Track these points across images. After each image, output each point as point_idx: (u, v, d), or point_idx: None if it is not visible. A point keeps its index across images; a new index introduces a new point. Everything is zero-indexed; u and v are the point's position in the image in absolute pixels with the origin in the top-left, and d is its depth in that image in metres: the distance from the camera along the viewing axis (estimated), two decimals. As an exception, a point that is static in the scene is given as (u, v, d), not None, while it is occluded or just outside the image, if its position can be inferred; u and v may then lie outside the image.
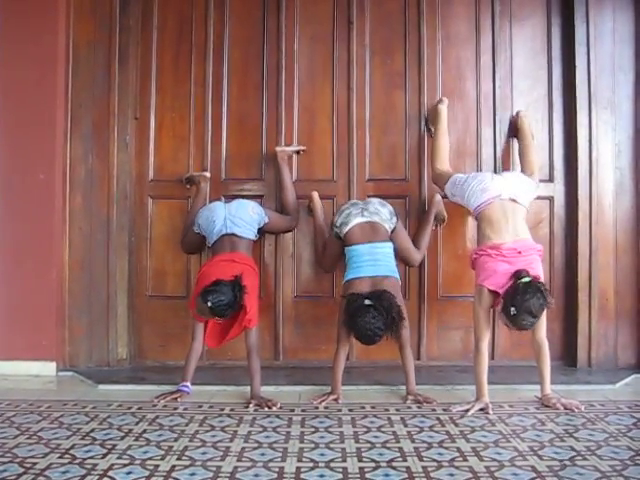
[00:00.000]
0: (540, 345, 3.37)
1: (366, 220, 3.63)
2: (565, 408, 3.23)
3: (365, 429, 2.93)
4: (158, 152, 4.28)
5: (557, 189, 4.28)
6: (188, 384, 3.49)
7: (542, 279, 3.32)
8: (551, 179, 4.27)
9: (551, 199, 4.27)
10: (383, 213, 3.67)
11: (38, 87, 3.99)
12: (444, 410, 3.24)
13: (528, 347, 3.83)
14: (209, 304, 3.25)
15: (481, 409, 3.21)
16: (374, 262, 3.54)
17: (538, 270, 3.37)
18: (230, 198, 4.10)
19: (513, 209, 3.54)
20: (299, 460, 2.53)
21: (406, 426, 2.98)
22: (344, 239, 3.67)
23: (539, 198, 4.22)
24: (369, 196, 4.04)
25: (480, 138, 4.28)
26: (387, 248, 3.63)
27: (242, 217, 3.80)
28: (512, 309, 3.10)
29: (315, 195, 4.11)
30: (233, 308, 3.33)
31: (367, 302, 3.28)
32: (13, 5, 4.01)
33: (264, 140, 4.25)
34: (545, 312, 3.26)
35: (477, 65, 4.30)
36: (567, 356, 4.21)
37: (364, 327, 3.23)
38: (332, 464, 2.48)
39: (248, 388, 3.41)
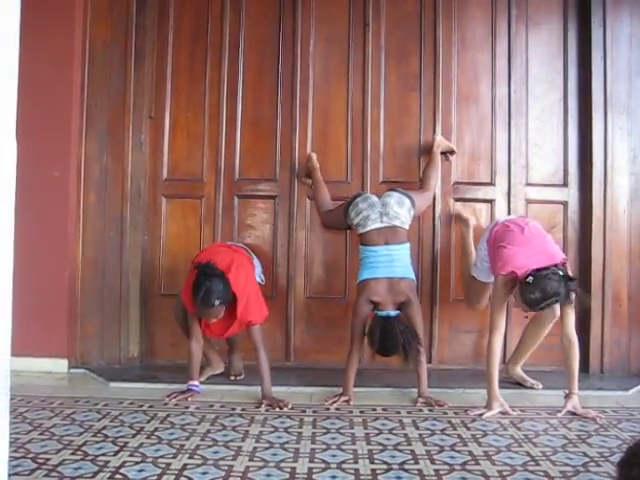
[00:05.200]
0: (570, 340, 3.26)
1: (385, 225, 3.59)
2: (582, 416, 3.19)
3: (377, 431, 2.93)
4: (172, 151, 4.29)
5: (571, 194, 4.26)
6: (196, 382, 3.49)
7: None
8: (565, 184, 4.26)
9: (565, 204, 4.25)
10: (402, 215, 3.61)
11: (54, 85, 4.01)
12: (455, 413, 3.23)
13: (541, 352, 3.83)
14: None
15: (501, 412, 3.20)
16: (390, 263, 3.51)
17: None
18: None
19: None
20: (311, 461, 2.53)
21: (418, 429, 2.97)
22: (359, 236, 3.67)
23: (553, 202, 4.23)
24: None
25: (494, 142, 4.26)
26: (403, 249, 3.59)
27: None
28: (530, 278, 3.06)
29: (314, 155, 4.15)
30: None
31: (383, 328, 3.33)
32: (30, 3, 4.02)
33: (278, 141, 4.25)
34: (572, 306, 3.23)
35: (493, 68, 4.29)
36: (579, 362, 4.17)
37: (385, 352, 3.35)
38: (344, 465, 2.48)
39: (259, 388, 3.41)
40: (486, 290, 3.76)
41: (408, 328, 3.32)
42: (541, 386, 3.68)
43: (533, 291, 3.03)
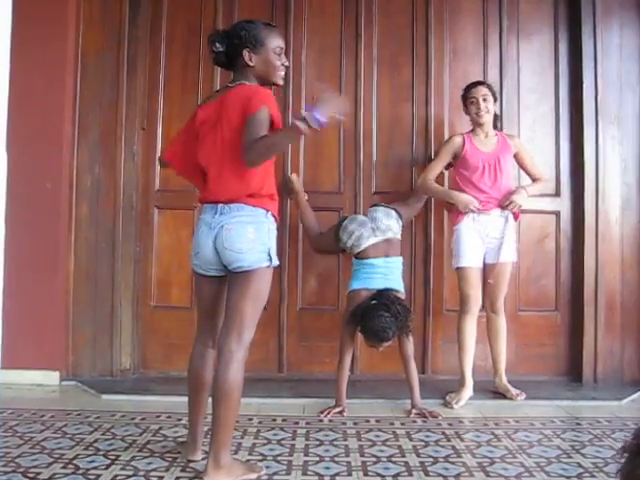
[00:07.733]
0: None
1: (380, 239, 3.58)
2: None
3: (370, 443, 2.91)
4: (165, 162, 4.27)
5: (563, 204, 4.27)
6: None
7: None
8: (557, 194, 4.27)
9: (557, 214, 4.26)
10: (393, 226, 3.62)
11: (46, 95, 3.98)
12: (449, 424, 3.22)
13: (534, 361, 3.84)
14: None
15: None
16: (385, 275, 3.52)
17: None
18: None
19: None
20: (304, 473, 2.51)
21: (411, 440, 2.96)
22: (355, 255, 3.64)
23: (545, 213, 4.24)
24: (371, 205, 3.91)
25: (487, 152, 4.27)
26: (398, 262, 3.62)
27: None
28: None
29: (294, 177, 4.10)
30: None
31: (373, 302, 3.32)
32: (22, 13, 4.02)
33: (271, 151, 4.24)
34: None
35: (484, 79, 4.26)
36: (572, 371, 4.18)
37: (376, 325, 3.24)
38: (337, 478, 2.47)
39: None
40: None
41: (398, 309, 3.30)
42: (524, 396, 3.66)
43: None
